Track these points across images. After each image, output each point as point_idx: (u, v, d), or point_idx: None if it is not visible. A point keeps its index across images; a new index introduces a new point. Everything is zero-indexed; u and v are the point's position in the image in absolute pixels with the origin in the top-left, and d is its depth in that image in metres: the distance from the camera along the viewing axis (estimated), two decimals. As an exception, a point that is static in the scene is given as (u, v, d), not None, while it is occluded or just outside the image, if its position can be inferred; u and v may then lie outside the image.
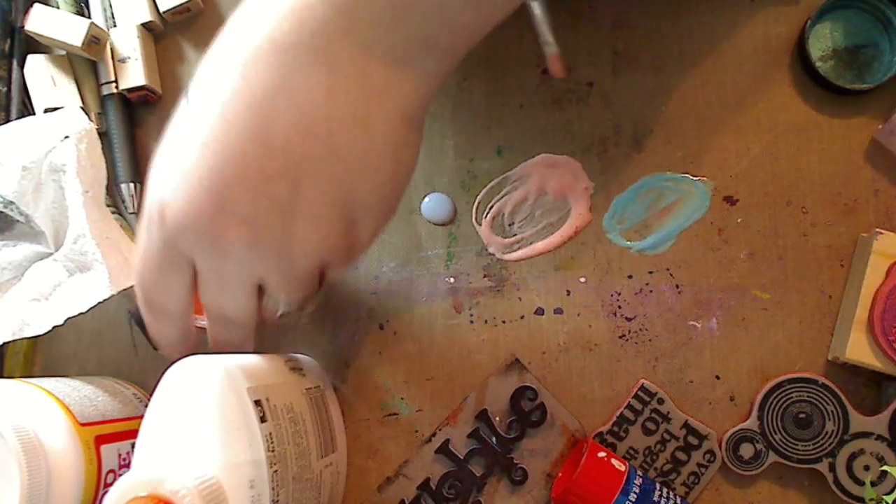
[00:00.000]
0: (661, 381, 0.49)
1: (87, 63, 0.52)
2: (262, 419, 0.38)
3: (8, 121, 0.51)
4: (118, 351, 0.52)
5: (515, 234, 0.51)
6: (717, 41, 0.51)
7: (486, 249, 0.51)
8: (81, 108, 0.51)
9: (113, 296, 0.45)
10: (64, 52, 0.52)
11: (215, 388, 0.38)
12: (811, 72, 0.49)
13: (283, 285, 0.37)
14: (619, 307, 0.50)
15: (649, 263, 0.50)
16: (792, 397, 0.47)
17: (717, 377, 0.49)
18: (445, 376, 0.50)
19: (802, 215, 0.49)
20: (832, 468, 0.46)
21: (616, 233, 0.50)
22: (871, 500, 0.46)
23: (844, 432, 0.46)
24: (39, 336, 0.44)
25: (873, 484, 0.46)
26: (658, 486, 0.46)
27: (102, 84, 0.51)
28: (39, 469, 0.39)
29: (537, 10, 0.43)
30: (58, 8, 0.51)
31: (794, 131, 0.50)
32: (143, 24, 0.51)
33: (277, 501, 0.38)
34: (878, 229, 0.46)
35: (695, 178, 0.50)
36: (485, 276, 0.50)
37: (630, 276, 0.50)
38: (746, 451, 0.47)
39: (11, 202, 0.47)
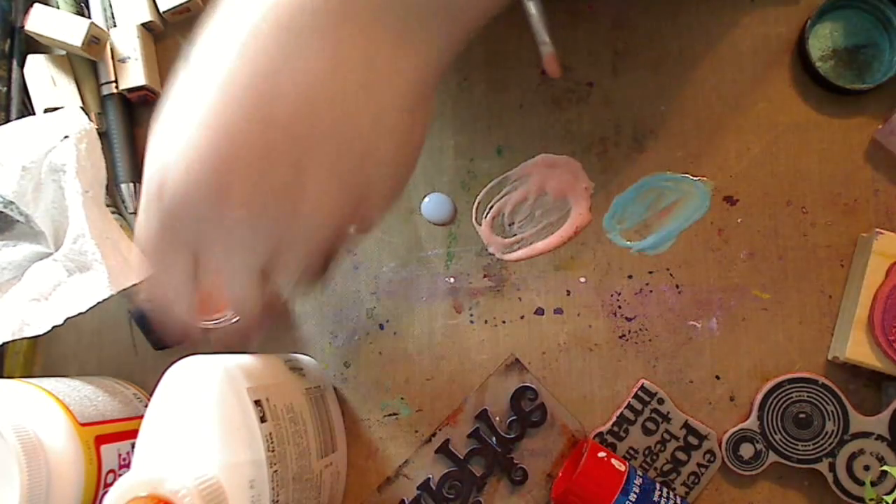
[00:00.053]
0: (661, 381, 0.49)
1: (87, 63, 0.52)
2: (262, 419, 0.38)
3: (8, 121, 0.51)
4: (118, 351, 0.52)
5: (515, 234, 0.51)
6: (716, 41, 0.51)
7: (486, 249, 0.51)
8: (81, 108, 0.51)
9: (113, 296, 0.45)
10: (64, 52, 0.52)
11: (215, 388, 0.38)
12: (811, 72, 0.49)
13: (289, 266, 0.36)
14: (619, 307, 0.50)
15: (649, 263, 0.50)
16: (792, 397, 0.47)
17: (717, 377, 0.49)
18: (445, 376, 0.50)
19: (802, 215, 0.49)
20: (832, 468, 0.46)
21: (616, 233, 0.50)
22: (871, 500, 0.46)
23: (844, 432, 0.46)
24: (39, 336, 0.44)
25: (873, 484, 0.46)
26: (658, 486, 0.46)
27: (102, 84, 0.51)
28: (39, 469, 0.39)
29: (533, 9, 0.43)
30: (58, 8, 0.51)
31: (794, 131, 0.50)
32: (143, 24, 0.51)
33: (277, 501, 0.38)
34: (878, 229, 0.46)
35: (695, 178, 0.50)
36: (485, 276, 0.50)
37: (630, 276, 0.50)
38: (746, 451, 0.47)
39: (11, 202, 0.47)
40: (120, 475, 0.43)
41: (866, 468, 0.46)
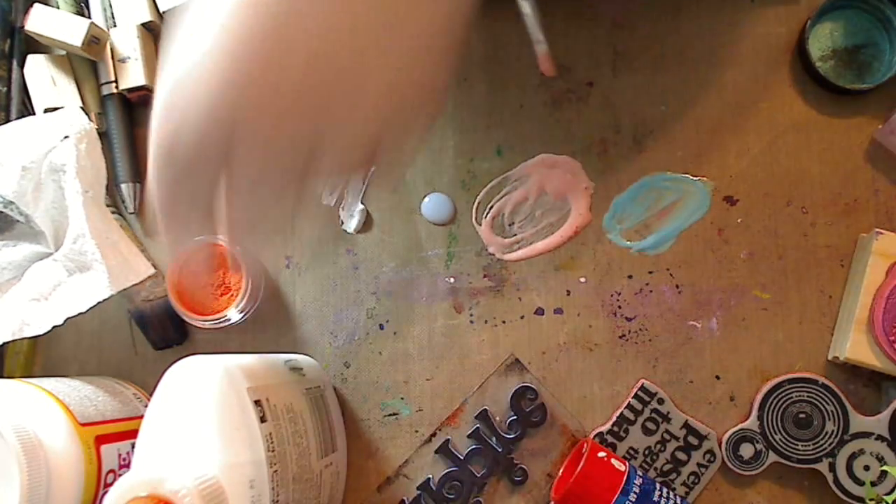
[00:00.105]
0: (661, 381, 0.49)
1: (87, 63, 0.52)
2: (262, 419, 0.38)
3: (8, 121, 0.51)
4: (118, 351, 0.52)
5: (515, 234, 0.51)
6: (717, 41, 0.51)
7: (486, 249, 0.51)
8: (81, 108, 0.51)
9: (113, 296, 0.45)
10: (64, 52, 0.52)
11: (215, 388, 0.38)
12: (811, 72, 0.49)
13: (336, 159, 0.34)
14: (619, 307, 0.50)
15: (649, 263, 0.50)
16: (792, 397, 0.47)
17: (717, 377, 0.49)
18: (445, 376, 0.50)
19: (802, 215, 0.49)
20: (832, 468, 0.46)
21: (616, 233, 0.50)
22: (871, 500, 0.46)
23: (844, 432, 0.46)
24: (39, 336, 0.44)
25: (873, 484, 0.46)
26: (658, 486, 0.46)
27: (102, 84, 0.51)
28: (39, 469, 0.39)
29: (527, 8, 0.43)
30: (58, 8, 0.51)
31: (794, 131, 0.50)
32: (143, 24, 0.51)
33: (277, 501, 0.38)
34: (878, 229, 0.46)
35: (695, 178, 0.50)
36: (485, 276, 0.50)
37: (630, 276, 0.50)
38: (746, 451, 0.47)
39: (11, 202, 0.47)
40: (120, 475, 0.43)
41: (866, 468, 0.46)
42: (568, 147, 0.51)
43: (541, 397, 0.49)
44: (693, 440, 0.48)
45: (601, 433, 0.49)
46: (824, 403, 0.47)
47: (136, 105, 0.52)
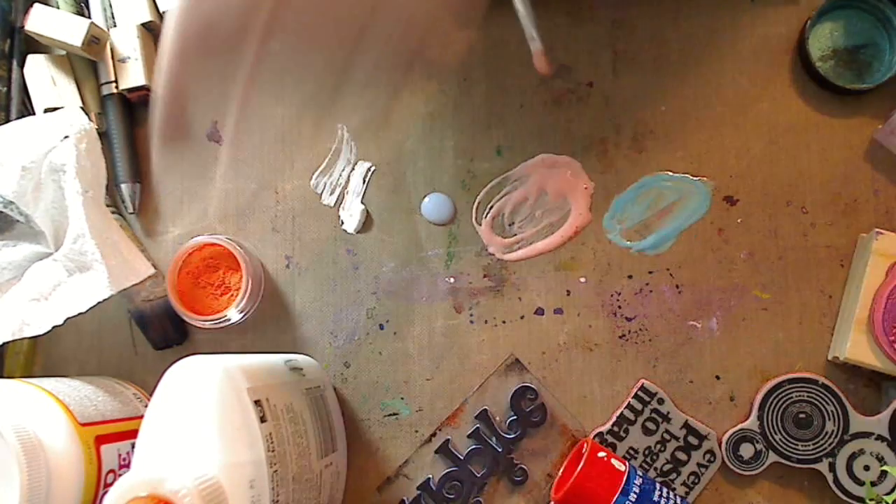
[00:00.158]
0: (661, 381, 0.49)
1: (87, 63, 0.52)
2: (262, 419, 0.38)
3: (8, 121, 0.51)
4: (118, 351, 0.52)
5: (515, 234, 0.51)
6: (717, 41, 0.51)
7: (486, 249, 0.51)
8: (81, 108, 0.51)
9: (113, 296, 0.45)
10: (64, 52, 0.52)
11: (215, 388, 0.38)
12: (811, 72, 0.49)
13: (387, 35, 0.33)
14: (619, 307, 0.50)
15: (649, 263, 0.50)
16: (792, 397, 0.47)
17: (717, 377, 0.49)
18: (445, 376, 0.50)
19: (802, 215, 0.49)
20: (832, 468, 0.46)
21: (616, 233, 0.50)
22: (871, 500, 0.46)
23: (844, 432, 0.46)
24: (39, 336, 0.44)
25: (873, 484, 0.46)
26: (658, 486, 0.46)
27: (102, 84, 0.51)
28: (39, 469, 0.39)
29: (520, 6, 0.43)
30: (58, 8, 0.51)
31: (794, 131, 0.50)
32: (143, 24, 0.51)
33: (277, 501, 0.38)
34: (877, 229, 0.46)
35: (695, 178, 0.50)
36: (485, 276, 0.50)
37: (630, 276, 0.50)
38: (746, 451, 0.47)
39: (11, 202, 0.47)
40: (120, 475, 0.43)
41: (866, 468, 0.46)
42: (568, 147, 0.51)
43: (541, 397, 0.49)
44: (693, 440, 0.48)
45: (601, 433, 0.49)
46: (824, 403, 0.47)
47: (136, 105, 0.52)
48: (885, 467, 0.46)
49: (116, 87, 0.51)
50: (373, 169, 0.51)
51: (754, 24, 0.50)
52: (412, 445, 0.50)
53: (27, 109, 0.52)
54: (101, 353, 0.52)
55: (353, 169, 0.51)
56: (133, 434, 0.42)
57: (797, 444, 0.47)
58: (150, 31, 0.52)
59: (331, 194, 0.51)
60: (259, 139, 0.52)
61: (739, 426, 0.47)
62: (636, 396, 0.49)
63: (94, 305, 0.44)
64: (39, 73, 0.51)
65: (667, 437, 0.48)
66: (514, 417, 0.49)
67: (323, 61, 0.34)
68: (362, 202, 0.51)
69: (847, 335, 0.46)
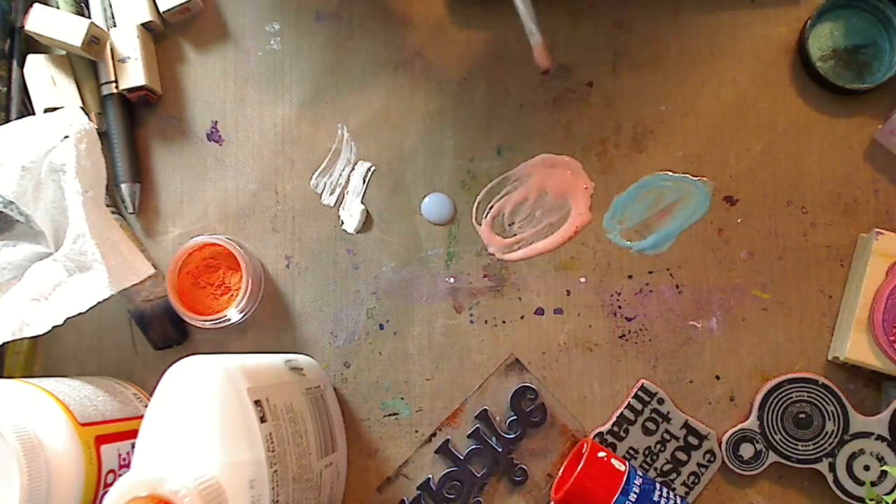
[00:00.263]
0: (661, 381, 0.49)
1: (87, 63, 0.52)
2: (262, 419, 0.38)
3: (8, 121, 0.51)
4: (118, 351, 0.52)
5: (515, 234, 0.51)
6: (717, 41, 0.51)
7: (486, 249, 0.51)
8: (81, 108, 0.51)
9: (113, 296, 0.44)
10: (64, 52, 0.52)
11: (215, 388, 0.38)
12: (811, 72, 0.49)
13: None
14: (619, 307, 0.50)
15: (649, 263, 0.50)
16: (792, 397, 0.47)
17: (717, 377, 0.49)
18: (445, 376, 0.50)
19: (802, 215, 0.49)
20: (832, 468, 0.46)
21: (616, 233, 0.50)
22: (871, 500, 0.46)
23: (844, 432, 0.46)
24: (39, 336, 0.44)
25: (873, 484, 0.46)
26: (658, 486, 0.46)
27: (102, 84, 0.51)
28: (39, 469, 0.39)
29: (519, 1, 0.43)
30: (58, 8, 0.51)
31: (794, 131, 0.50)
32: (143, 24, 0.51)
33: (277, 501, 0.38)
34: (877, 229, 0.46)
35: (695, 178, 0.50)
36: (485, 276, 0.50)
37: (630, 276, 0.50)
38: (746, 451, 0.47)
39: (11, 202, 0.47)
40: (120, 475, 0.43)
41: (866, 468, 0.46)
42: (568, 147, 0.51)
43: (541, 397, 0.49)
44: (693, 440, 0.48)
45: (601, 433, 0.49)
46: (824, 403, 0.47)
47: (136, 105, 0.52)
48: (885, 467, 0.46)
49: (116, 87, 0.51)
50: (373, 169, 0.51)
51: (754, 24, 0.50)
52: (412, 445, 0.50)
53: (27, 109, 0.52)
54: (101, 353, 0.52)
55: (353, 169, 0.51)
56: (133, 434, 0.42)
57: (797, 444, 0.47)
58: (150, 31, 0.52)
59: (331, 194, 0.51)
60: (259, 139, 0.52)
61: (739, 426, 0.47)
62: (636, 396, 0.49)
63: (94, 305, 0.44)
64: (39, 73, 0.51)
65: (667, 437, 0.48)
66: (514, 417, 0.49)
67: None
68: (362, 202, 0.51)
69: (847, 335, 0.46)
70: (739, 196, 0.50)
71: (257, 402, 0.38)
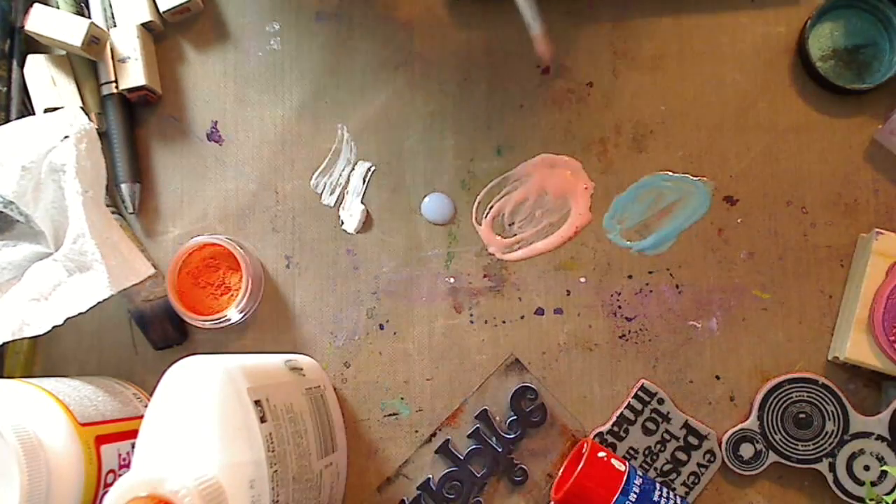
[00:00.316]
0: (661, 381, 0.49)
1: (87, 63, 0.52)
2: (262, 419, 0.38)
3: (8, 121, 0.51)
4: (118, 351, 0.52)
5: (515, 234, 0.51)
6: (717, 41, 0.51)
7: (486, 249, 0.51)
8: (81, 108, 0.51)
9: (113, 296, 0.44)
10: (64, 52, 0.52)
11: (215, 388, 0.38)
12: (811, 72, 0.49)
13: None
14: (619, 307, 0.50)
15: (649, 263, 0.50)
16: (792, 397, 0.47)
17: (717, 377, 0.49)
18: (445, 376, 0.50)
19: (802, 215, 0.49)
20: (832, 468, 0.46)
21: (616, 233, 0.50)
22: (871, 500, 0.46)
23: (844, 432, 0.46)
24: (39, 336, 0.44)
25: (873, 484, 0.46)
26: (658, 486, 0.46)
27: (102, 84, 0.51)
28: (39, 469, 0.39)
29: None
30: (58, 8, 0.51)
31: (794, 131, 0.50)
32: (143, 24, 0.51)
33: (277, 501, 0.38)
34: (877, 229, 0.46)
35: (695, 178, 0.50)
36: (485, 276, 0.50)
37: (630, 276, 0.50)
38: (746, 451, 0.47)
39: (11, 202, 0.47)
40: (120, 475, 0.43)
41: (866, 468, 0.46)
42: (568, 147, 0.51)
43: (541, 397, 0.49)
44: (693, 440, 0.48)
45: (601, 433, 0.49)
46: (824, 403, 0.47)
47: (136, 105, 0.52)
48: (885, 467, 0.46)
49: (116, 87, 0.51)
50: (373, 169, 0.51)
51: (754, 24, 0.50)
52: (412, 445, 0.50)
53: (27, 109, 0.52)
54: (101, 353, 0.52)
55: (353, 169, 0.51)
56: (133, 434, 0.42)
57: (797, 444, 0.47)
58: (150, 31, 0.52)
59: (331, 194, 0.51)
60: (259, 139, 0.52)
61: (739, 426, 0.47)
62: (636, 396, 0.49)
63: (94, 305, 0.44)
64: (39, 73, 0.51)
65: (667, 437, 0.48)
66: (514, 417, 0.49)
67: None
68: (362, 202, 0.51)
69: (847, 335, 0.46)
70: (739, 196, 0.50)
71: (257, 402, 0.38)
